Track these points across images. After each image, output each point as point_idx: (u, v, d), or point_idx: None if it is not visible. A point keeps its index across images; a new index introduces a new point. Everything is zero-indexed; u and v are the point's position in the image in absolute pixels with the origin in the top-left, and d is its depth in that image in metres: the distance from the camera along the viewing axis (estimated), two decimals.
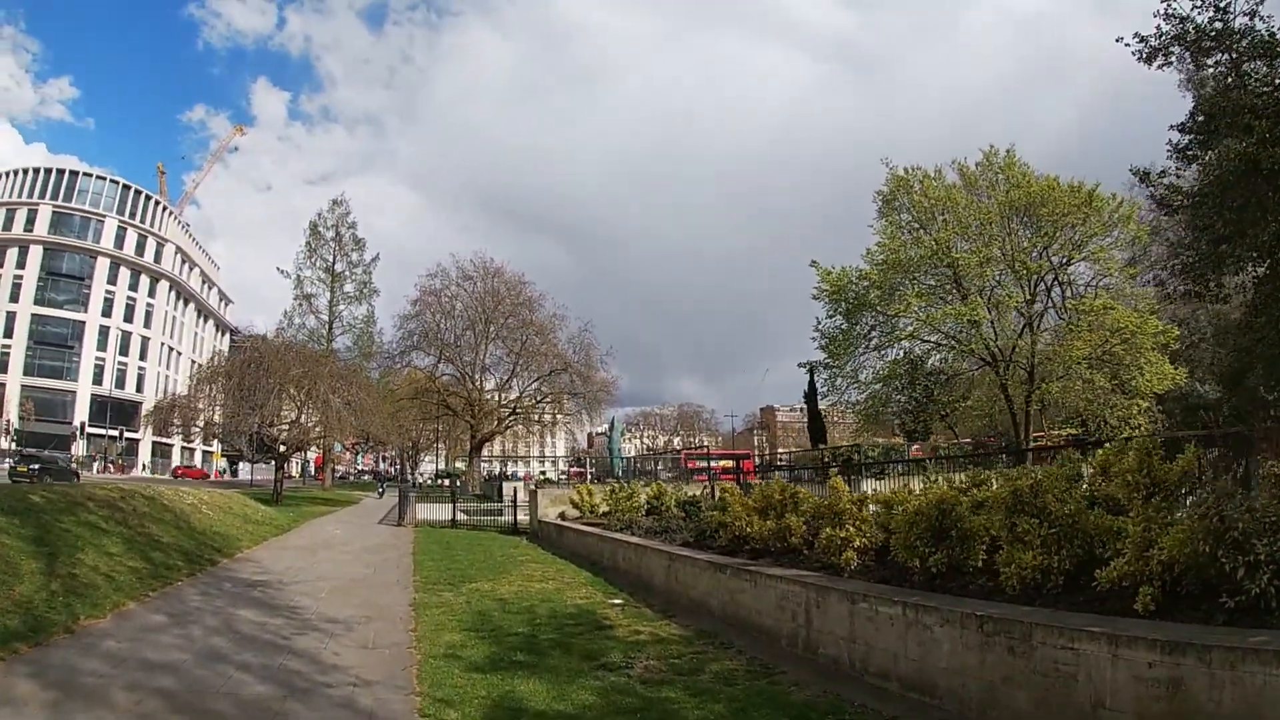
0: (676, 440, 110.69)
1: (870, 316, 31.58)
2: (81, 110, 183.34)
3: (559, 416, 58.93)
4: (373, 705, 6.25)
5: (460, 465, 77.61)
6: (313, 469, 75.75)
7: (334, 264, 56.22)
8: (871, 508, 8.80)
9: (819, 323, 32.83)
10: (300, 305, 54.92)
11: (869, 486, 12.91)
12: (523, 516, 23.53)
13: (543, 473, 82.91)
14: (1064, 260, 29.31)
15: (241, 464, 69.03)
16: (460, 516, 25.50)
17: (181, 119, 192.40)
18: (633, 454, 57.21)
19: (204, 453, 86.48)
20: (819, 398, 38.37)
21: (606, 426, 50.15)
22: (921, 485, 9.18)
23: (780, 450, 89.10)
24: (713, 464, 39.75)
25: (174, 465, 75.36)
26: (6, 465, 48.11)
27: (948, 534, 7.20)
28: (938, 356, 33.86)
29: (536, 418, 56.63)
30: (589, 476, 46.73)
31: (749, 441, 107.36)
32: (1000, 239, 28.81)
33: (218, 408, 32.76)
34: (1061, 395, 28.51)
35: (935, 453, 28.27)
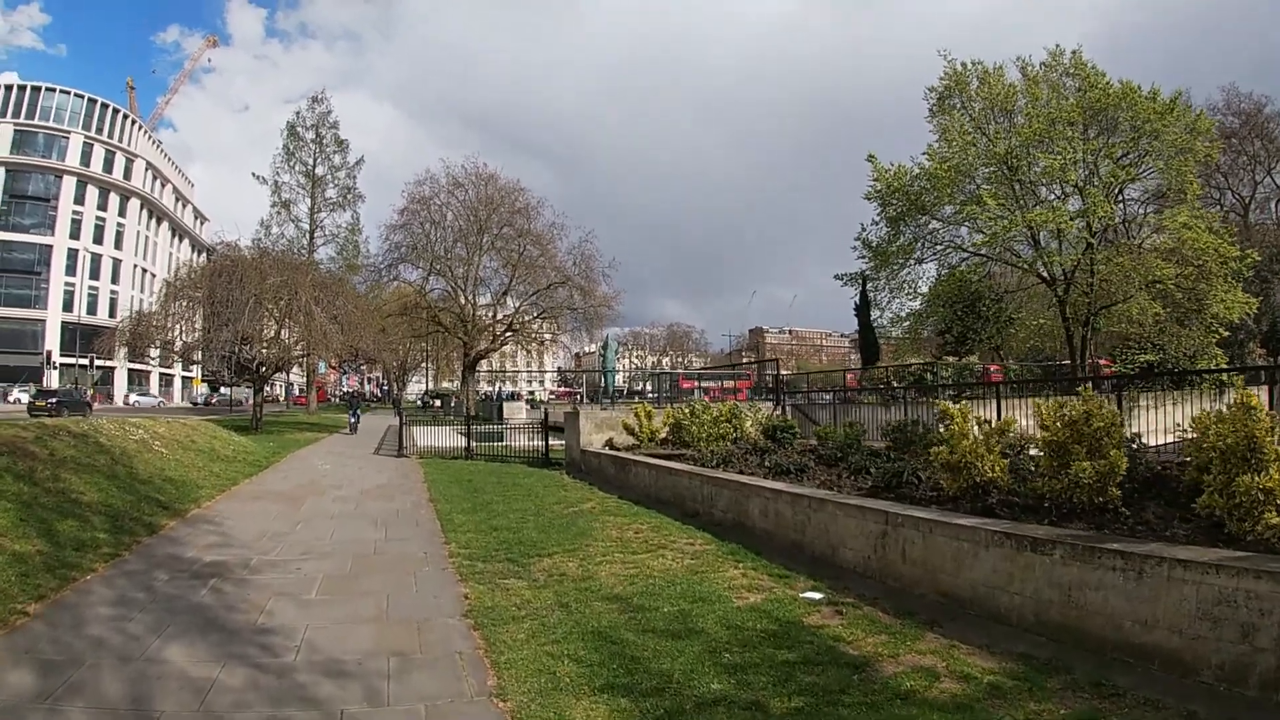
0: (666, 361, 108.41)
1: (917, 226, 29.21)
2: (53, 36, 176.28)
3: (556, 334, 55.05)
4: None
5: (449, 385, 73.77)
6: (296, 391, 71.93)
7: (314, 167, 51.75)
8: None
9: (863, 230, 30.45)
10: (278, 213, 50.72)
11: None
12: (554, 443, 19.80)
13: (532, 393, 79.42)
14: (1137, 174, 26.58)
15: (223, 389, 64.84)
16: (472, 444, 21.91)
17: (155, 40, 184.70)
18: (621, 375, 53.90)
19: (183, 378, 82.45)
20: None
21: (597, 346, 46.72)
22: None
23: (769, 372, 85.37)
24: (711, 384, 36.51)
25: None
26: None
27: None
28: (986, 271, 31.34)
29: (533, 335, 52.58)
30: (581, 397, 44.73)
31: (737, 362, 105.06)
32: (1075, 144, 25.66)
33: (192, 326, 28.68)
34: (1140, 318, 25.46)
35: (1005, 375, 25.18)
